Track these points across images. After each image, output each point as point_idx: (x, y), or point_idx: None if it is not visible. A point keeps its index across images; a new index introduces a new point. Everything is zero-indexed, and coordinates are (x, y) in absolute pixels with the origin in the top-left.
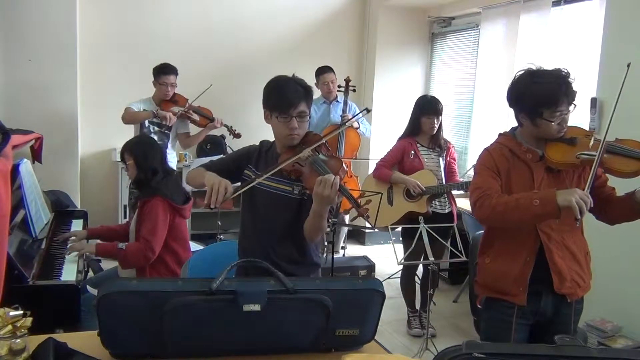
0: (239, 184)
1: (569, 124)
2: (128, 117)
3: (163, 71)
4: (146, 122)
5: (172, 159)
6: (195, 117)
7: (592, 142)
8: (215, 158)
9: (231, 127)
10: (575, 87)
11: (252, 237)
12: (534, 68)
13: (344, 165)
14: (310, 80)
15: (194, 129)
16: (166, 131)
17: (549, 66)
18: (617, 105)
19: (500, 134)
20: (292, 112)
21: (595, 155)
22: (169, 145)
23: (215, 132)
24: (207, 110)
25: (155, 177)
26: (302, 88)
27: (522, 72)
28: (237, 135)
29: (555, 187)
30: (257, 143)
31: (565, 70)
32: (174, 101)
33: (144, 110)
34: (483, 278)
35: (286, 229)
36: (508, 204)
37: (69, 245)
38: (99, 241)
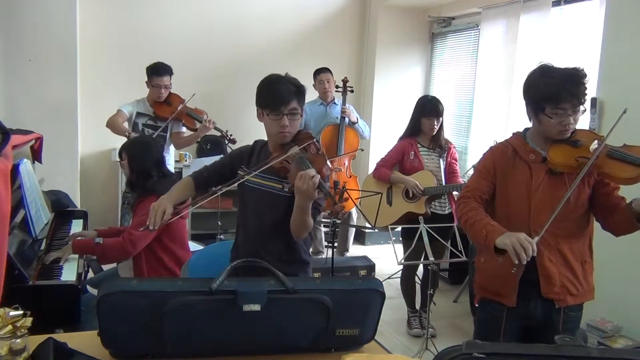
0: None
1: (581, 127)
2: (110, 122)
3: (156, 72)
4: (140, 125)
5: (170, 162)
6: (189, 120)
7: (593, 145)
8: (214, 159)
9: (226, 132)
10: (585, 88)
11: (243, 235)
12: (550, 65)
13: (328, 163)
14: (310, 80)
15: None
16: (162, 133)
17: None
18: (619, 112)
19: (513, 133)
20: (284, 110)
21: (593, 159)
22: (166, 148)
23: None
24: (201, 112)
25: (149, 179)
26: (294, 86)
27: (537, 67)
28: (232, 141)
29: (554, 190)
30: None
31: (581, 71)
32: (168, 102)
33: (138, 112)
34: (478, 278)
35: (276, 227)
36: (468, 220)
37: (51, 254)
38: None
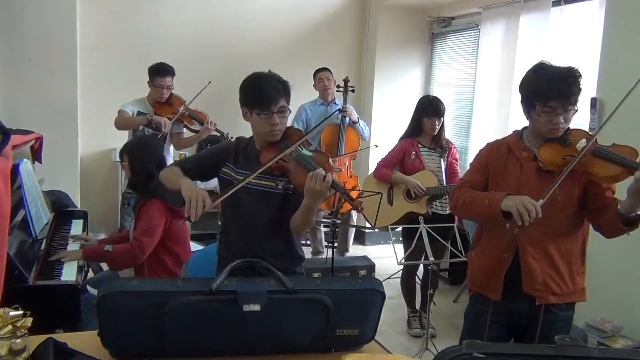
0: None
1: (580, 127)
2: (121, 122)
3: (159, 73)
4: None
5: (170, 162)
6: (189, 122)
7: (581, 144)
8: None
9: (227, 134)
10: (578, 89)
11: (235, 234)
12: (547, 62)
13: (330, 160)
14: (310, 80)
15: (188, 132)
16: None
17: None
18: (618, 108)
19: (513, 131)
20: (273, 108)
21: (579, 157)
22: (166, 149)
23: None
24: (202, 114)
25: (151, 180)
26: (280, 84)
27: (535, 64)
28: None
29: (542, 188)
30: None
31: (575, 71)
32: (169, 103)
33: (138, 112)
34: (469, 271)
35: (271, 224)
36: (467, 199)
37: (59, 254)
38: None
